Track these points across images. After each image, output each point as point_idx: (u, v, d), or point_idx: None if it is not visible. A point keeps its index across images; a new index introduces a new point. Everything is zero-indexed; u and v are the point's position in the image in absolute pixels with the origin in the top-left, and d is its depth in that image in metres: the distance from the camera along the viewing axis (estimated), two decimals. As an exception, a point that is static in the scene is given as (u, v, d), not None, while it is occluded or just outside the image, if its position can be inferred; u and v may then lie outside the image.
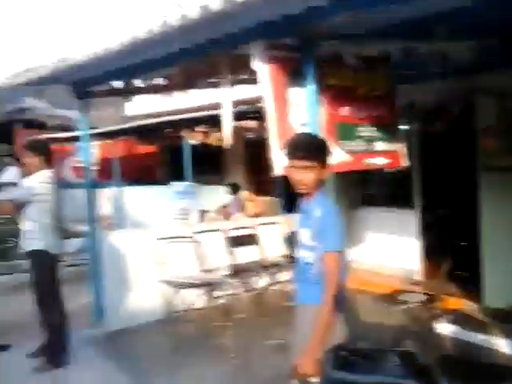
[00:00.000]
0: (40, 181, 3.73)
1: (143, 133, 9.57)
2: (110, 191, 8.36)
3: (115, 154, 9.63)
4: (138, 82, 3.71)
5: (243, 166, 9.99)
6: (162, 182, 9.01)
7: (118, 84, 3.99)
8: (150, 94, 3.72)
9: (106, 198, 7.81)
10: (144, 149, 11.60)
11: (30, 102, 12.23)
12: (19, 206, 3.75)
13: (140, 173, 10.42)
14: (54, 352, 3.78)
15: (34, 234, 3.71)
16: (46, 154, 3.84)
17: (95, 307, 4.49)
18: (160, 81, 3.57)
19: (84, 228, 7.86)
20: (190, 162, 8.19)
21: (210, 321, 4.52)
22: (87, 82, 4.03)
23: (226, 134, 2.66)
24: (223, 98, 2.68)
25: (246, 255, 5.24)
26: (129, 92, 3.81)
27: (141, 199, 8.79)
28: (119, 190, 8.91)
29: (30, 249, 3.73)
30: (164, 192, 8.19)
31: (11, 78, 4.04)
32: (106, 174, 9.23)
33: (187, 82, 3.37)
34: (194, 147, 8.29)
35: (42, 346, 3.89)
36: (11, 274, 6.09)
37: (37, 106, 12.30)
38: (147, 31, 2.56)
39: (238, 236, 5.28)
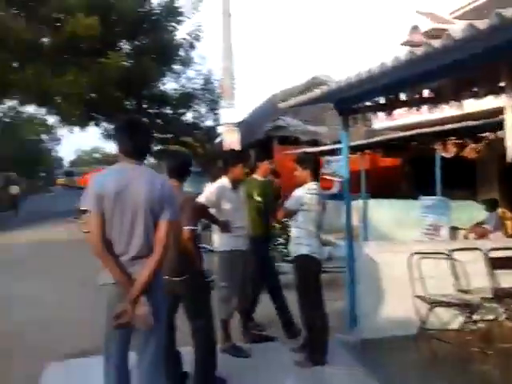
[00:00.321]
0: (307, 192, 4.12)
1: (388, 146, 9.59)
2: (357, 203, 8.61)
3: (361, 167, 9.88)
4: (401, 96, 3.77)
5: (498, 180, 9.07)
6: (407, 195, 8.87)
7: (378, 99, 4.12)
8: (413, 107, 3.72)
9: (354, 210, 8.06)
10: (389, 162, 11.63)
11: (286, 120, 13.62)
12: (290, 214, 4.23)
13: (384, 186, 10.48)
14: (313, 351, 4.10)
15: (301, 240, 4.12)
16: (313, 168, 4.23)
17: (349, 314, 4.68)
18: (425, 93, 3.55)
19: (331, 237, 8.32)
20: (440, 176, 7.83)
21: (467, 345, 4.24)
22: (351, 100, 4.29)
23: (510, 145, 2.46)
24: (507, 105, 2.50)
25: (510, 279, 4.75)
26: (392, 106, 3.89)
27: (386, 212, 8.84)
28: (365, 202, 9.14)
29: (298, 253, 4.15)
30: (410, 206, 8.05)
31: (273, 100, 4.56)
32: (352, 186, 9.55)
33: (455, 93, 3.27)
34: (441, 159, 7.93)
35: (302, 344, 4.27)
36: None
37: (291, 123, 13.64)
38: (427, 45, 2.59)
39: (500, 257, 4.82)
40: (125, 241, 2.76)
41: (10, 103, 15.84)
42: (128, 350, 2.91)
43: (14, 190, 25.84)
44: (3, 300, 7.65)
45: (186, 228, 3.56)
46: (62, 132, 46.57)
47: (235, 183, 4.48)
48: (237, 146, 10.26)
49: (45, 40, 11.52)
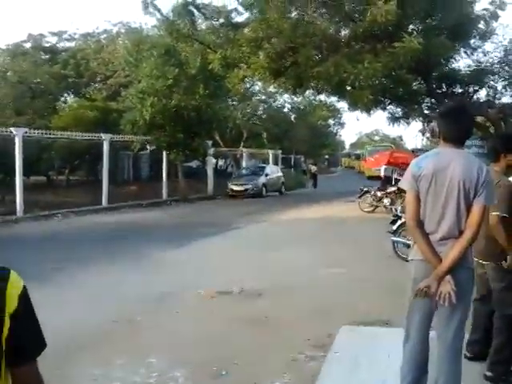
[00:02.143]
0: None
1: None
2: None
3: None
4: None
5: None
6: None
7: None
8: None
9: None
10: None
11: None
12: None
13: None
14: None
15: None
16: None
17: None
18: None
19: None
20: None
21: None
22: None
23: None
24: None
25: None
26: None
27: None
28: None
29: None
30: None
31: None
32: None
33: None
34: None
35: None
36: None
37: None
38: None
39: None
40: (436, 221, 2.91)
41: (307, 92, 17.73)
42: (429, 325, 3.08)
43: (314, 169, 32.73)
44: (304, 260, 8.88)
45: (494, 213, 3.51)
46: (347, 116, 49.38)
47: None
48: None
49: (343, 33, 12.48)
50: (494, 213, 3.52)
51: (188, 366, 4.51)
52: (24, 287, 1.41)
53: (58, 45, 31.67)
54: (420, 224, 2.93)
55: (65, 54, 30.48)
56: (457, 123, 2.94)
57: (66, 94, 32.32)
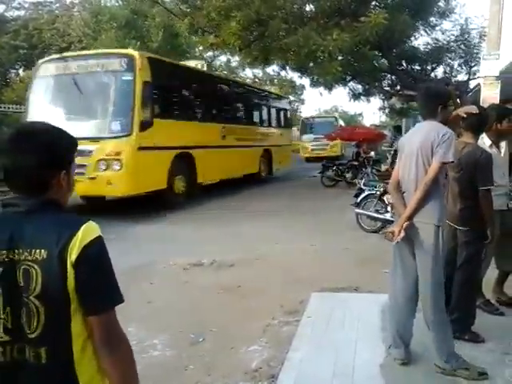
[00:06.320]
0: None
1: None
2: None
3: None
4: None
5: None
6: None
7: None
8: None
9: None
10: None
11: None
12: None
13: None
14: None
15: None
16: None
17: None
18: None
19: None
20: None
21: None
22: None
23: None
24: None
25: None
26: None
27: None
28: None
29: None
30: None
31: None
32: None
33: None
34: None
35: None
36: None
37: None
38: None
39: None
40: (406, 181, 3.54)
41: (269, 68, 17.77)
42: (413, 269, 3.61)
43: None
44: (272, 233, 9.02)
45: (484, 188, 3.73)
46: (307, 93, 49.21)
47: (498, 139, 4.42)
48: (496, 101, 9.57)
49: (308, 8, 12.53)
50: (483, 187, 3.72)
51: (166, 334, 4.61)
52: (96, 238, 1.41)
53: (6, 13, 30.07)
54: (396, 186, 3.62)
55: (14, 23, 28.99)
56: (420, 101, 3.59)
57: (17, 66, 30.87)
